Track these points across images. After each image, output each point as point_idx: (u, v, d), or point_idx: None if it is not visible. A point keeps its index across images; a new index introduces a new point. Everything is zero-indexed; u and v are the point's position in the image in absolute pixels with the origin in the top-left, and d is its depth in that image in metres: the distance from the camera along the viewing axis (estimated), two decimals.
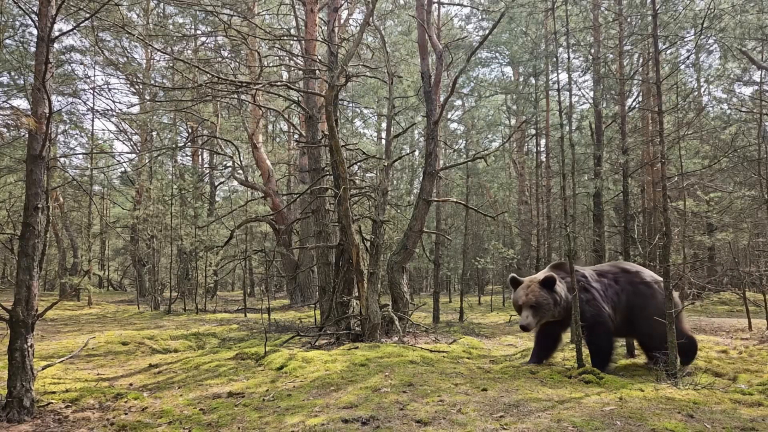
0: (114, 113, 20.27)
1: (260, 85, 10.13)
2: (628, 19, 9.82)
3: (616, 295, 6.28)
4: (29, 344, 4.43)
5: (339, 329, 9.07)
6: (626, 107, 10.11)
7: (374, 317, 8.45)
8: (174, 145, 21.08)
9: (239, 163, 18.56)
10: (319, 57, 12.77)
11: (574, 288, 5.76)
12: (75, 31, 14.64)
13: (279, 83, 11.64)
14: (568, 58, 9.13)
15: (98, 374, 6.64)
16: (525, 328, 5.70)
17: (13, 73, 14.04)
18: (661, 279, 6.37)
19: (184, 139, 23.46)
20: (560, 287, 5.97)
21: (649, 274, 6.65)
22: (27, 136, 4.86)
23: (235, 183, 25.04)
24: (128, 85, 21.80)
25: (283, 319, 13.05)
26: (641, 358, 7.79)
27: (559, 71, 11.81)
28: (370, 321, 8.40)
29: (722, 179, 16.68)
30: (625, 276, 6.51)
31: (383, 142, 21.82)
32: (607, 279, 6.40)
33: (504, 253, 15.12)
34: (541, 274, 6.18)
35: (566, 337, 7.10)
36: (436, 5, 15.45)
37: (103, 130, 51.98)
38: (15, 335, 4.38)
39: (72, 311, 15.73)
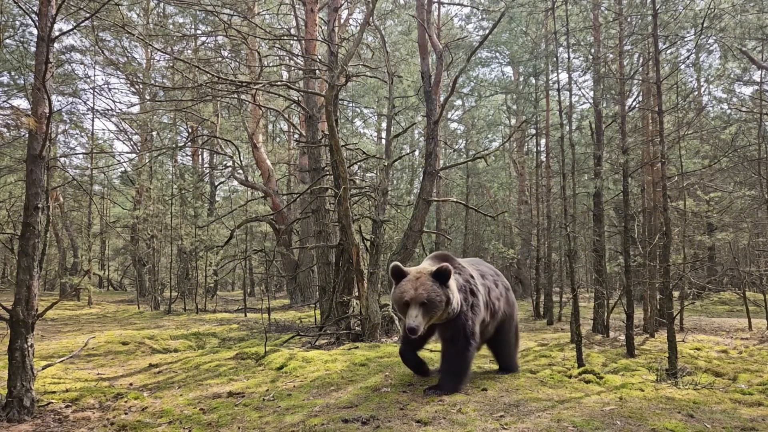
0: (114, 113, 20.27)
1: (260, 85, 10.13)
2: (628, 19, 9.81)
3: (497, 300, 5.49)
4: (29, 344, 4.43)
5: (339, 329, 9.07)
6: (626, 107, 10.10)
7: (374, 317, 8.46)
8: (174, 145, 21.07)
9: (239, 163, 18.56)
10: (319, 57, 12.78)
11: (468, 287, 5.00)
12: (75, 30, 14.64)
13: (279, 83, 11.64)
14: (568, 57, 9.14)
15: (98, 374, 6.64)
16: (413, 331, 4.37)
17: (13, 73, 14.04)
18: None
19: (184, 139, 23.46)
20: (453, 283, 4.80)
21: (504, 278, 6.07)
22: (27, 135, 4.86)
23: (235, 183, 25.05)
24: (128, 85, 21.80)
25: (283, 319, 13.06)
26: (641, 358, 7.80)
27: (559, 71, 11.81)
28: (370, 321, 8.41)
29: (722, 179, 16.67)
30: (500, 279, 5.80)
31: (383, 141, 21.83)
32: (488, 281, 5.53)
33: (504, 253, 15.13)
34: (429, 265, 4.94)
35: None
36: (436, 5, 15.46)
37: (103, 130, 52.00)
38: (15, 335, 4.38)
39: (72, 311, 15.73)
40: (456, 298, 4.71)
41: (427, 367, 5.46)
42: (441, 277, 4.60)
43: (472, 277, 5.16)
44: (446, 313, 4.64)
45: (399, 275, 4.76)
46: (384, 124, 21.82)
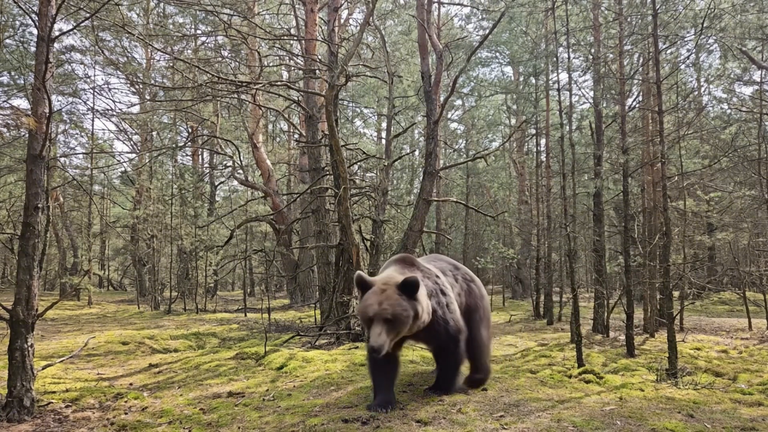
0: (114, 113, 20.27)
1: (260, 85, 10.14)
2: (628, 19, 9.81)
3: (458, 296, 5.16)
4: (29, 344, 4.43)
5: (339, 329, 9.07)
6: (626, 107, 10.10)
7: None
8: (174, 145, 21.07)
9: (239, 162, 18.56)
10: (319, 57, 12.77)
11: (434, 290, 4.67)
12: (75, 30, 14.64)
13: (279, 83, 11.64)
14: (568, 57, 9.14)
15: (98, 374, 6.64)
16: (376, 351, 3.91)
17: (13, 73, 14.04)
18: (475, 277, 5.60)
19: (184, 139, 23.46)
20: (422, 293, 4.35)
21: (466, 269, 5.69)
22: (27, 135, 4.86)
23: (235, 183, 25.05)
24: (128, 85, 21.79)
25: (283, 319, 13.06)
26: (641, 358, 7.80)
27: (559, 71, 11.81)
28: None
29: (722, 179, 16.67)
30: (459, 273, 5.47)
31: (383, 141, 21.83)
32: (449, 278, 5.21)
33: (504, 253, 15.12)
34: (396, 273, 4.51)
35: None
36: (436, 5, 15.46)
37: (103, 129, 52.02)
38: (15, 335, 4.38)
39: (72, 311, 15.73)
40: (426, 308, 4.33)
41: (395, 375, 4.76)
42: (408, 288, 4.15)
43: (437, 276, 4.88)
44: (415, 326, 4.26)
45: (363, 286, 4.30)
46: (384, 124, 21.82)
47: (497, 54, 22.24)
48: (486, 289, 5.90)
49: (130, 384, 6.00)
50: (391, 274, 4.49)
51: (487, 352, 5.41)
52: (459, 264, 5.66)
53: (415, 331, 4.36)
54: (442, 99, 11.89)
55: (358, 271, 4.37)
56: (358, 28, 12.34)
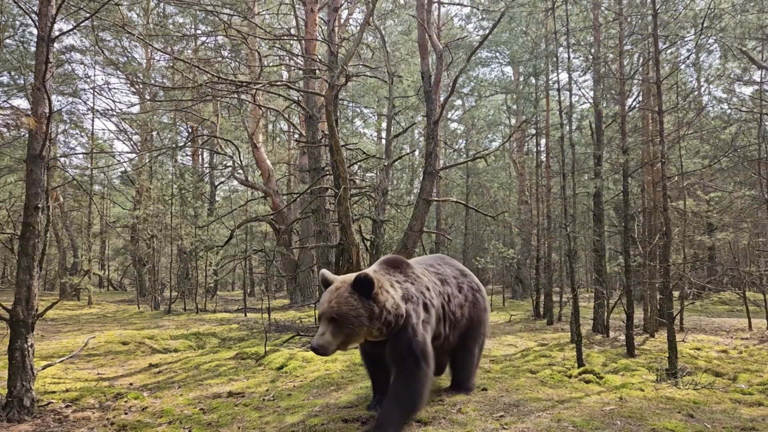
0: (114, 113, 20.28)
1: (260, 85, 10.14)
2: (629, 19, 9.81)
3: (459, 308, 4.70)
4: (29, 344, 4.43)
5: None
6: (626, 107, 10.10)
7: None
8: (174, 145, 21.08)
9: (239, 162, 18.56)
10: (319, 57, 12.78)
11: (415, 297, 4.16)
12: (75, 30, 14.64)
13: (279, 83, 11.65)
14: (568, 57, 9.14)
15: (98, 374, 6.64)
16: (317, 350, 3.61)
17: (13, 73, 14.03)
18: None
19: (184, 139, 23.46)
20: (388, 294, 3.93)
21: (473, 277, 5.22)
22: (27, 135, 4.86)
23: (235, 183, 25.04)
24: (128, 85, 21.79)
25: (283, 319, 13.05)
26: (641, 358, 7.80)
27: (559, 71, 11.81)
28: None
29: (722, 179, 16.67)
30: (466, 281, 4.99)
31: (383, 141, 21.83)
32: (449, 287, 4.73)
33: (504, 253, 15.12)
34: (372, 272, 4.09)
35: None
36: (436, 5, 15.46)
37: (103, 129, 52.00)
38: (15, 335, 4.38)
39: (72, 311, 15.73)
40: (393, 310, 3.86)
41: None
42: (361, 287, 3.76)
43: (427, 289, 4.35)
44: (375, 329, 3.80)
45: (325, 284, 3.99)
46: (384, 124, 21.82)
47: (497, 54, 22.24)
48: (486, 289, 5.80)
49: (130, 384, 6.00)
50: (355, 273, 4.08)
51: (475, 371, 5.11)
52: (467, 270, 5.20)
53: (380, 336, 3.90)
54: (442, 99, 11.90)
55: (323, 270, 4.05)
56: (358, 28, 12.33)
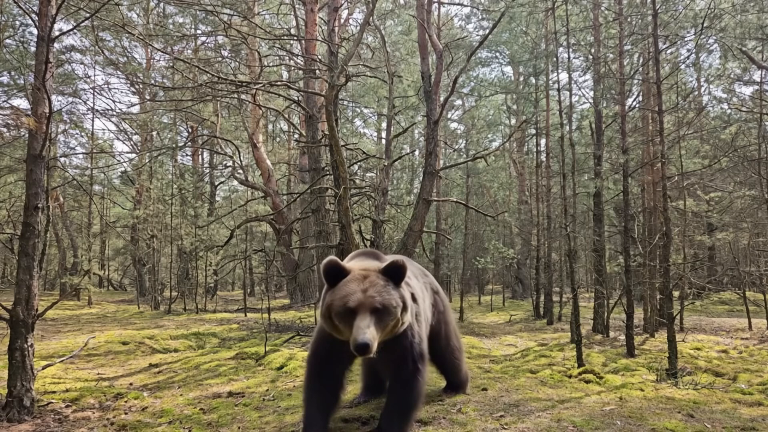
0: (114, 113, 20.29)
1: (260, 85, 10.14)
2: (629, 19, 9.81)
3: (432, 308, 4.33)
4: (29, 344, 4.43)
5: None
6: (626, 107, 10.10)
7: None
8: (174, 145, 21.08)
9: (239, 162, 18.57)
10: (319, 57, 12.77)
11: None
12: (75, 30, 14.63)
13: (279, 83, 11.64)
14: (568, 57, 9.15)
15: (98, 374, 6.64)
16: (364, 350, 3.01)
17: (13, 73, 14.03)
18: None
19: (184, 139, 23.47)
20: (408, 286, 3.58)
21: (432, 278, 4.80)
22: (27, 135, 4.86)
23: (235, 183, 25.04)
24: (128, 85, 21.80)
25: (283, 319, 13.05)
26: (641, 358, 7.80)
27: (559, 71, 11.83)
28: None
29: (722, 179, 16.69)
30: (428, 281, 4.56)
31: (383, 141, 21.82)
32: (421, 282, 4.31)
33: (504, 253, 15.14)
34: (369, 261, 3.60)
35: None
36: (436, 5, 15.45)
37: (103, 129, 52.12)
38: (15, 335, 4.38)
39: (72, 311, 15.73)
40: (411, 305, 3.47)
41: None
42: (395, 275, 3.31)
43: (409, 278, 3.84)
44: (401, 323, 3.37)
45: (336, 275, 3.34)
46: (384, 124, 21.81)
47: (497, 54, 22.24)
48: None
49: (130, 384, 6.00)
50: (364, 262, 3.60)
51: (460, 367, 4.77)
52: (426, 271, 4.79)
53: (395, 333, 3.39)
54: (442, 99, 11.89)
55: (331, 257, 3.41)
56: (358, 28, 12.34)
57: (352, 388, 5.23)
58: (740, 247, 19.57)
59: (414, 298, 3.70)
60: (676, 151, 11.00)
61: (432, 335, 4.20)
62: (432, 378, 4.80)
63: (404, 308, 3.32)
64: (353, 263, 3.58)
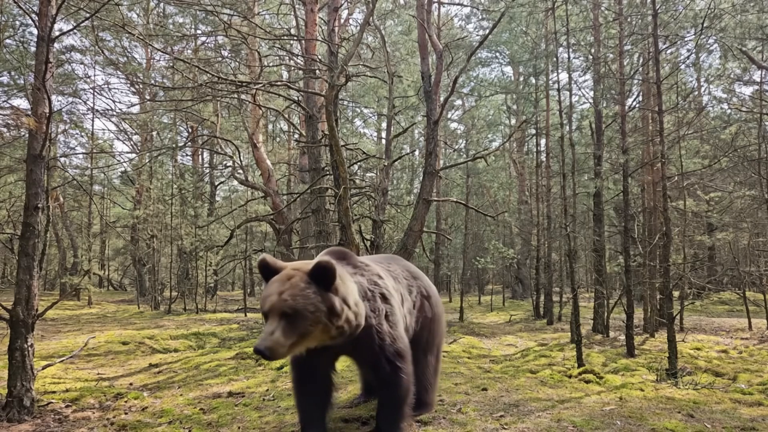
0: (114, 113, 20.29)
1: (260, 85, 10.14)
2: (628, 19, 9.82)
3: (409, 313, 4.05)
4: (29, 344, 4.43)
5: None
6: (626, 107, 10.11)
7: None
8: (174, 145, 21.07)
9: (239, 162, 18.54)
10: (319, 57, 12.77)
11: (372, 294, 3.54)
12: (75, 30, 14.63)
13: (279, 83, 11.64)
14: (568, 57, 9.15)
15: (98, 374, 6.64)
16: (263, 354, 2.96)
17: (13, 73, 14.02)
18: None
19: (184, 139, 23.46)
20: (347, 287, 3.32)
21: (431, 283, 4.55)
22: (27, 135, 4.86)
23: (235, 183, 25.02)
24: (128, 85, 21.79)
25: None
26: (641, 358, 7.80)
27: (559, 71, 11.83)
28: None
29: (722, 179, 16.68)
30: (416, 284, 4.29)
31: (383, 141, 21.82)
32: (402, 287, 4.08)
33: (504, 253, 15.13)
34: (311, 261, 3.37)
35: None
36: (436, 5, 15.46)
37: (103, 129, 52.08)
38: (15, 335, 4.38)
39: (72, 311, 15.73)
40: (354, 309, 3.29)
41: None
42: (321, 277, 3.10)
43: (380, 277, 3.74)
44: (335, 330, 3.16)
45: (268, 273, 3.26)
46: (384, 124, 21.82)
47: (497, 54, 22.24)
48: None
49: (130, 384, 6.00)
50: (307, 261, 3.43)
51: (435, 384, 4.41)
52: (419, 273, 4.50)
53: (337, 339, 3.24)
54: (442, 99, 11.90)
55: (264, 255, 3.33)
56: (358, 28, 12.34)
57: (353, 388, 5.23)
58: (740, 247, 19.57)
59: (385, 298, 3.60)
60: (676, 151, 11.01)
61: (413, 341, 3.95)
62: None
63: (332, 312, 3.11)
64: (293, 263, 3.43)
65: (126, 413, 4.67)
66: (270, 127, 24.78)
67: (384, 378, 3.52)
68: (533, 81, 17.73)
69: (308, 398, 3.59)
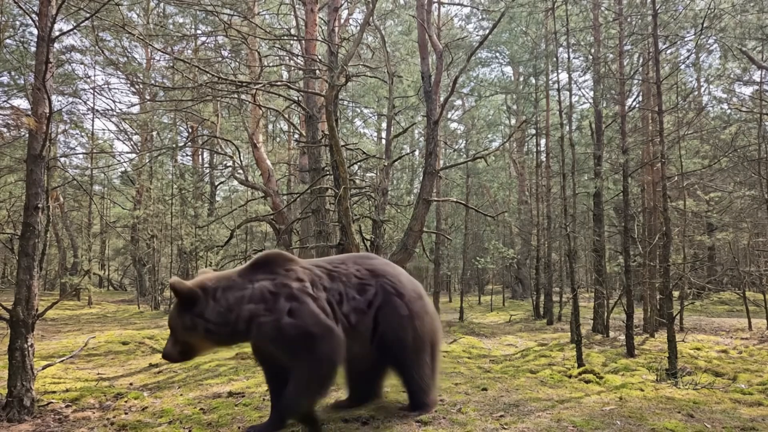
0: (114, 113, 20.28)
1: (260, 85, 10.14)
2: (628, 19, 9.82)
3: (356, 313, 4.04)
4: (29, 344, 4.43)
5: None
6: (626, 107, 10.11)
7: None
8: (174, 145, 21.07)
9: (239, 162, 18.54)
10: (319, 57, 12.77)
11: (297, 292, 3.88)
12: (75, 30, 14.63)
13: (279, 83, 11.65)
14: (568, 57, 9.16)
15: (98, 374, 6.64)
16: (164, 357, 3.92)
17: (13, 73, 14.03)
18: (424, 293, 4.50)
19: (184, 139, 23.45)
20: (216, 302, 3.79)
21: (408, 280, 4.45)
22: (27, 135, 4.86)
23: (235, 183, 25.02)
24: (128, 85, 21.82)
25: None
26: (641, 358, 7.80)
27: (559, 71, 11.83)
28: None
29: (722, 179, 16.68)
30: (376, 282, 4.22)
31: (383, 141, 21.82)
32: (342, 286, 4.13)
33: (504, 253, 15.13)
34: (236, 274, 4.03)
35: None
36: (436, 5, 15.46)
37: (103, 129, 52.04)
38: (15, 335, 4.38)
39: (72, 311, 15.74)
40: (215, 319, 3.74)
41: None
42: (183, 301, 3.78)
43: (298, 280, 3.94)
44: (210, 339, 3.81)
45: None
46: (384, 124, 21.82)
47: (497, 54, 22.24)
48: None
49: (130, 384, 6.00)
50: (228, 272, 4.12)
51: (431, 385, 4.35)
52: (389, 271, 4.35)
53: (221, 344, 4.03)
54: (442, 99, 11.90)
55: (174, 278, 3.89)
56: (358, 28, 12.34)
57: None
58: (740, 247, 19.57)
59: (293, 297, 3.89)
60: (676, 151, 11.01)
61: (381, 339, 4.10)
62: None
63: (193, 327, 3.76)
64: (237, 269, 4.10)
65: (126, 413, 4.67)
66: (270, 127, 24.78)
67: (291, 361, 3.83)
68: (533, 81, 17.74)
69: (276, 393, 4.11)
